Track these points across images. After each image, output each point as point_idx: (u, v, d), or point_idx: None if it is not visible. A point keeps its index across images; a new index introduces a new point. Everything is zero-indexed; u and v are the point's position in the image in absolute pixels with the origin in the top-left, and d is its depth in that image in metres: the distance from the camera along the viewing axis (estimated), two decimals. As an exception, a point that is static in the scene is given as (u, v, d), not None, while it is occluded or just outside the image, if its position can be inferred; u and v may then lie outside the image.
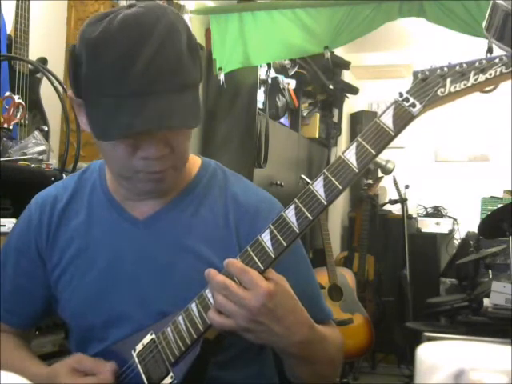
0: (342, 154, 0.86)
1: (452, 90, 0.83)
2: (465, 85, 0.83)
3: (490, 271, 3.52)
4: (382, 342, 3.99)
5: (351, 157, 0.85)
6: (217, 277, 0.87)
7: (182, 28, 0.95)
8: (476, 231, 3.47)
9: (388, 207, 4.78)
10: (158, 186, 1.02)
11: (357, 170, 0.85)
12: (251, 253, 0.88)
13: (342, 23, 3.10)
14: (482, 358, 0.60)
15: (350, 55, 4.71)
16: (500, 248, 3.27)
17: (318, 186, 0.86)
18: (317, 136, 4.58)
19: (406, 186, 4.54)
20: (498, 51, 1.13)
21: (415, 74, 0.86)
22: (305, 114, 4.46)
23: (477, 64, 0.82)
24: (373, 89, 5.24)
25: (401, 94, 0.86)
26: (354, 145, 0.86)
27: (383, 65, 5.05)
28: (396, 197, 4.52)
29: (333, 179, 0.86)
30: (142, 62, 0.88)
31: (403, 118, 0.85)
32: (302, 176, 3.68)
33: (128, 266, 1.06)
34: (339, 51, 4.44)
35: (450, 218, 4.85)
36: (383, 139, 0.85)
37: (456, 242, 4.76)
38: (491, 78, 0.81)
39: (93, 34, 0.92)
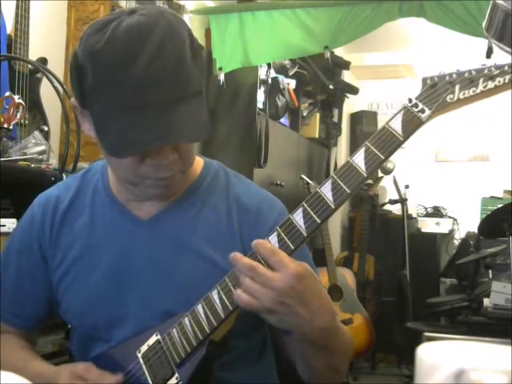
0: (350, 158, 0.87)
1: (461, 96, 0.84)
2: (474, 92, 0.83)
3: (490, 271, 3.52)
4: (382, 342, 3.99)
5: (360, 161, 0.86)
6: (243, 259, 0.86)
7: (186, 34, 0.94)
8: (476, 231, 3.47)
9: (388, 207, 4.78)
10: (165, 190, 1.03)
11: (365, 175, 0.85)
12: (258, 255, 0.88)
13: (342, 23, 3.10)
14: (482, 358, 0.60)
15: (350, 55, 4.71)
16: (500, 248, 3.27)
17: (326, 190, 0.87)
18: (317, 136, 4.58)
19: (406, 186, 4.54)
20: (498, 51, 1.13)
21: (424, 80, 0.87)
22: (305, 114, 4.46)
23: (486, 71, 0.83)
24: (373, 89, 5.24)
25: (410, 100, 0.86)
26: (363, 149, 0.86)
27: (383, 65, 5.05)
28: (396, 197, 4.52)
29: (341, 183, 0.86)
30: (150, 73, 0.88)
31: (412, 123, 0.85)
32: (302, 176, 3.68)
33: (131, 266, 1.06)
34: (339, 51, 4.44)
35: (450, 218, 4.85)
36: (392, 144, 0.85)
37: (456, 242, 4.76)
38: (500, 86, 0.82)
39: (97, 45, 0.90)
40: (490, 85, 0.82)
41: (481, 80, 0.83)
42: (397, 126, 0.86)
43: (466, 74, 0.84)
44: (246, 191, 1.12)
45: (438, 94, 0.85)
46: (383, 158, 0.85)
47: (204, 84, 0.98)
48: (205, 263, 1.04)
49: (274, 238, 0.88)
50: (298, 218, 0.87)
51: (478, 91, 0.83)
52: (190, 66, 0.93)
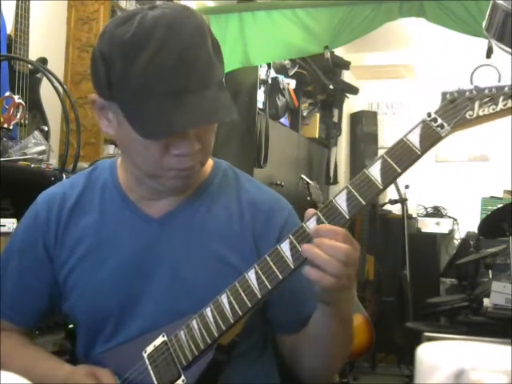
0: (366, 169, 0.87)
1: (480, 113, 0.84)
2: (493, 109, 0.83)
3: (490, 271, 3.51)
4: (382, 342, 3.98)
5: (376, 173, 0.86)
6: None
7: (207, 28, 0.98)
8: (476, 231, 3.46)
9: (388, 207, 4.77)
10: (185, 182, 1.04)
11: (381, 187, 0.85)
12: (270, 262, 0.89)
13: (341, 23, 3.10)
14: (482, 358, 0.60)
15: (350, 55, 4.71)
16: (500, 248, 3.27)
17: (341, 200, 0.87)
18: (317, 136, 4.58)
19: (406, 186, 4.53)
20: (498, 51, 1.13)
21: (443, 94, 0.87)
22: (305, 114, 4.46)
23: (506, 89, 0.83)
24: (373, 89, 5.24)
25: (429, 114, 0.86)
26: (380, 161, 0.86)
27: (383, 65, 5.04)
28: (396, 197, 4.51)
29: (356, 194, 0.86)
30: (182, 60, 0.91)
31: (431, 138, 0.85)
32: (302, 176, 3.68)
33: (141, 264, 1.06)
34: (339, 51, 4.44)
35: (450, 218, 4.85)
36: (409, 158, 0.85)
37: (456, 242, 4.75)
38: None
39: (126, 34, 0.92)
40: (510, 103, 0.82)
41: (501, 98, 0.83)
42: (415, 139, 0.85)
43: (486, 91, 0.84)
44: (256, 190, 1.14)
45: (458, 109, 0.85)
46: (400, 171, 0.85)
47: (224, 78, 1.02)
48: (216, 261, 1.04)
49: (285, 245, 0.88)
50: (311, 226, 0.87)
51: (498, 109, 0.83)
52: (213, 56, 0.97)
